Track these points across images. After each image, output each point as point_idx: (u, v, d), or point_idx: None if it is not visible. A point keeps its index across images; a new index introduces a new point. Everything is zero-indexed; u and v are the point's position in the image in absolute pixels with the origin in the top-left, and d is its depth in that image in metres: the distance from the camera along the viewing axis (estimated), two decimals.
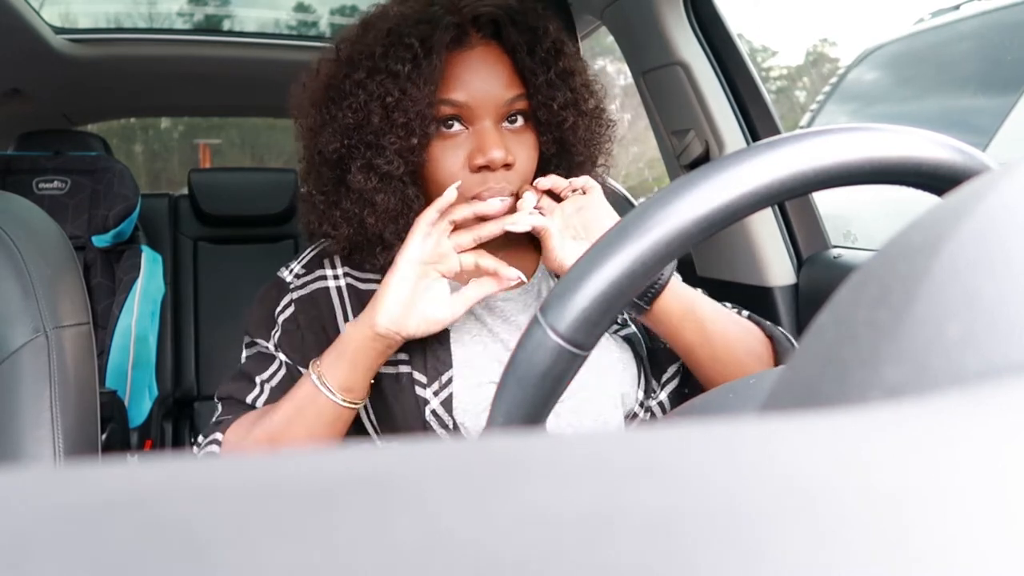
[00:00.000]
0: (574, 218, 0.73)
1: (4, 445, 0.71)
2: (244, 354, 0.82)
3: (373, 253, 0.77)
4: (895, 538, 0.09)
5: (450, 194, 0.70)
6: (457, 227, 0.73)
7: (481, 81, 0.72)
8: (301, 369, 0.78)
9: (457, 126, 0.73)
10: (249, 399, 0.77)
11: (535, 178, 0.78)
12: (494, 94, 0.72)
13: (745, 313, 0.82)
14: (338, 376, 0.70)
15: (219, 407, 0.80)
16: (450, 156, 0.73)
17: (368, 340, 0.69)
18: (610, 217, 0.74)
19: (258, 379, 0.78)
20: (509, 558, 0.09)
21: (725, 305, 0.81)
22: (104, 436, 1.35)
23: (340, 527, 0.09)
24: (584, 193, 0.74)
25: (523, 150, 0.74)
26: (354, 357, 0.70)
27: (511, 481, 0.10)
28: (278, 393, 0.77)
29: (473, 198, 0.73)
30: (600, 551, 0.09)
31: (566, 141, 0.77)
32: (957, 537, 0.09)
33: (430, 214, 0.70)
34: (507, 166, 0.72)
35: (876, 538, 0.09)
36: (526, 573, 0.08)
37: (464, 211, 0.71)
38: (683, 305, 0.73)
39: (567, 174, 0.79)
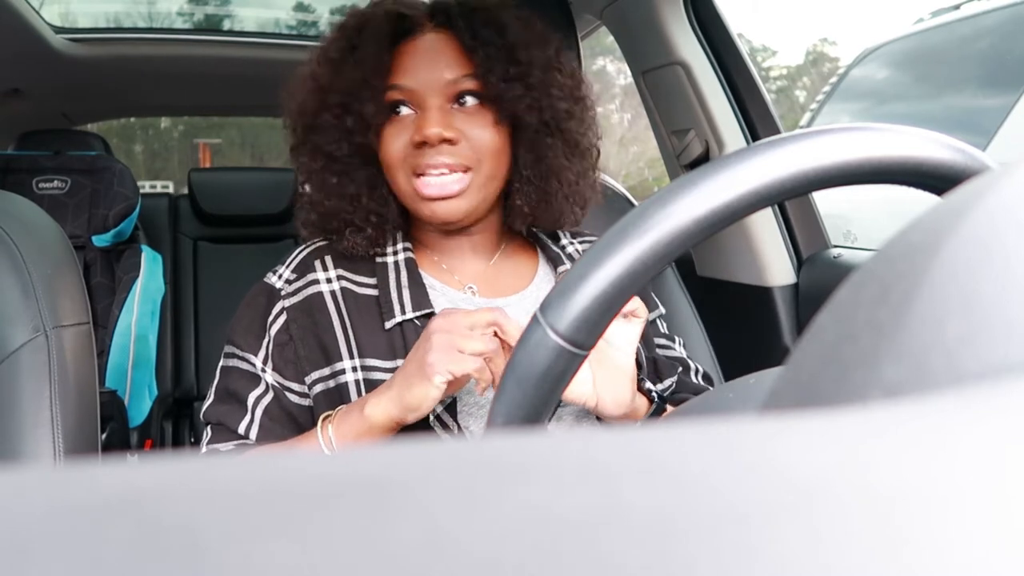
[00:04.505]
0: (593, 353, 0.70)
1: (4, 445, 0.71)
2: (225, 362, 0.80)
3: (343, 236, 0.78)
4: (894, 538, 0.09)
5: (500, 318, 0.67)
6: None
7: (426, 65, 0.76)
8: (288, 392, 0.77)
9: (406, 110, 0.76)
10: (241, 428, 0.76)
11: (513, 159, 0.79)
12: (438, 76, 0.75)
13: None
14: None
15: (208, 431, 0.78)
16: (397, 137, 0.76)
17: (383, 426, 0.68)
18: (624, 379, 0.71)
19: (248, 402, 0.77)
20: (508, 559, 0.09)
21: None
22: (104, 436, 1.35)
23: (340, 528, 0.09)
24: (627, 317, 0.71)
25: (473, 127, 0.76)
26: (368, 434, 0.69)
27: (510, 482, 0.10)
28: (266, 421, 0.76)
29: (418, 175, 0.75)
30: (599, 551, 0.09)
31: (518, 116, 0.77)
32: (956, 537, 0.09)
33: (475, 321, 0.67)
34: (449, 142, 0.74)
35: (875, 538, 0.09)
36: (525, 573, 0.08)
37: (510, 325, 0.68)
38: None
39: (537, 157, 0.79)
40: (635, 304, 0.71)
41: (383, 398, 0.68)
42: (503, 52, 0.75)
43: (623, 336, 0.71)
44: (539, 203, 0.80)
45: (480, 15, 0.76)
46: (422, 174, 0.75)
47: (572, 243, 0.91)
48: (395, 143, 0.76)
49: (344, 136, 0.76)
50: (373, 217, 0.78)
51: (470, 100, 0.76)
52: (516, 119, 0.77)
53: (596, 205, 0.87)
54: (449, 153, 0.74)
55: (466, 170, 0.75)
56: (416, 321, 0.76)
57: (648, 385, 0.81)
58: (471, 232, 0.83)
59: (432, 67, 0.75)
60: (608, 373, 0.70)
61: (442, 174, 0.74)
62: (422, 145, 0.74)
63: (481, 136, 0.76)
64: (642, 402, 0.77)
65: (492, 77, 0.75)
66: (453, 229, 0.81)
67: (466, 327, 0.66)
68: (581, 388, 0.70)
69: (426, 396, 0.65)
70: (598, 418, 0.79)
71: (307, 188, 0.81)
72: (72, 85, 1.94)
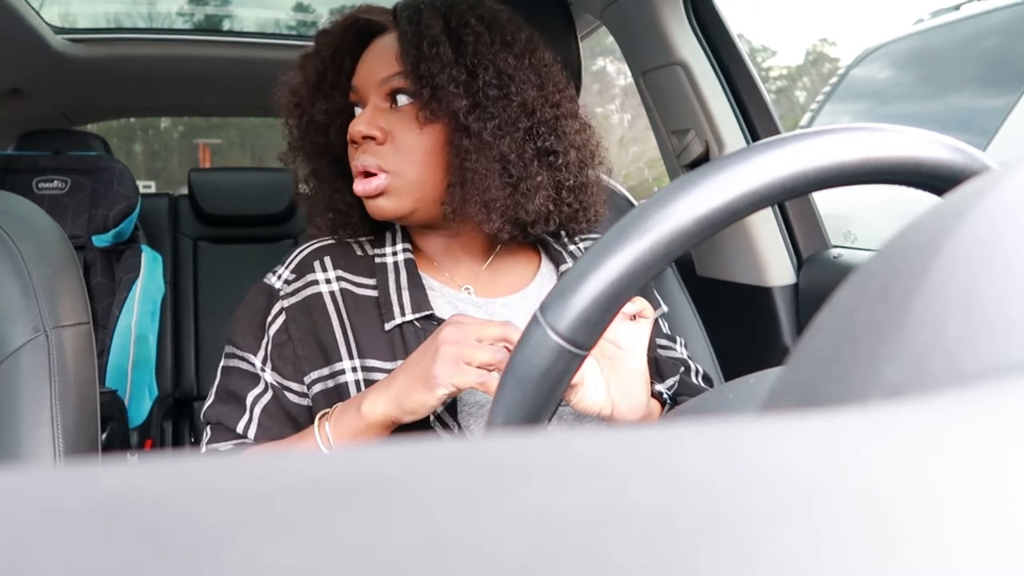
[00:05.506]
0: (604, 360, 0.71)
1: (4, 445, 0.71)
2: (225, 362, 0.80)
3: (313, 222, 0.83)
4: (894, 538, 0.09)
5: (508, 332, 0.67)
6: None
7: (371, 64, 0.78)
8: (287, 392, 0.77)
9: (359, 109, 0.80)
10: (240, 427, 0.76)
11: (446, 161, 0.76)
12: (372, 74, 0.77)
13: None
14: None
15: (208, 431, 0.79)
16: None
17: (380, 424, 0.68)
18: (639, 382, 0.70)
19: (247, 402, 0.77)
20: (508, 558, 0.09)
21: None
22: (104, 436, 1.35)
23: (340, 527, 0.09)
24: (635, 319, 0.71)
25: (401, 128, 0.76)
26: (365, 432, 0.69)
27: (510, 481, 0.10)
28: (265, 420, 0.76)
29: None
30: (600, 551, 0.09)
31: (435, 113, 0.75)
32: (956, 537, 0.09)
33: (487, 332, 0.66)
34: (372, 139, 0.75)
35: (875, 538, 0.09)
36: (525, 574, 0.08)
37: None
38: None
39: (459, 161, 0.75)
40: (641, 304, 0.70)
41: (381, 397, 0.67)
42: (417, 49, 0.75)
43: (633, 338, 0.70)
44: (459, 206, 0.76)
45: (416, 14, 0.76)
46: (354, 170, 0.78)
47: (575, 241, 0.91)
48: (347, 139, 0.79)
49: (303, 135, 0.81)
50: (340, 205, 0.82)
51: (401, 99, 0.77)
52: (434, 115, 0.75)
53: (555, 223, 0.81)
54: (373, 153, 0.75)
55: (385, 172, 0.75)
56: (416, 323, 0.76)
57: (659, 387, 0.80)
58: (453, 233, 0.81)
59: (373, 66, 0.77)
60: (622, 377, 0.70)
61: (366, 173, 0.76)
62: (353, 143, 0.77)
63: (407, 137, 0.76)
64: (655, 405, 0.76)
65: (406, 73, 0.75)
66: (412, 224, 0.81)
67: (475, 339, 0.65)
68: (596, 396, 0.69)
69: (425, 404, 0.65)
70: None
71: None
72: (72, 85, 1.94)
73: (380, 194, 0.76)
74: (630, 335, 0.70)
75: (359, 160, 0.76)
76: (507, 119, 0.75)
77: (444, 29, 0.75)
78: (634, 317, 0.71)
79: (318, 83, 0.79)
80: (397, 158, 0.75)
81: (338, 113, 0.80)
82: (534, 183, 0.76)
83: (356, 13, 0.80)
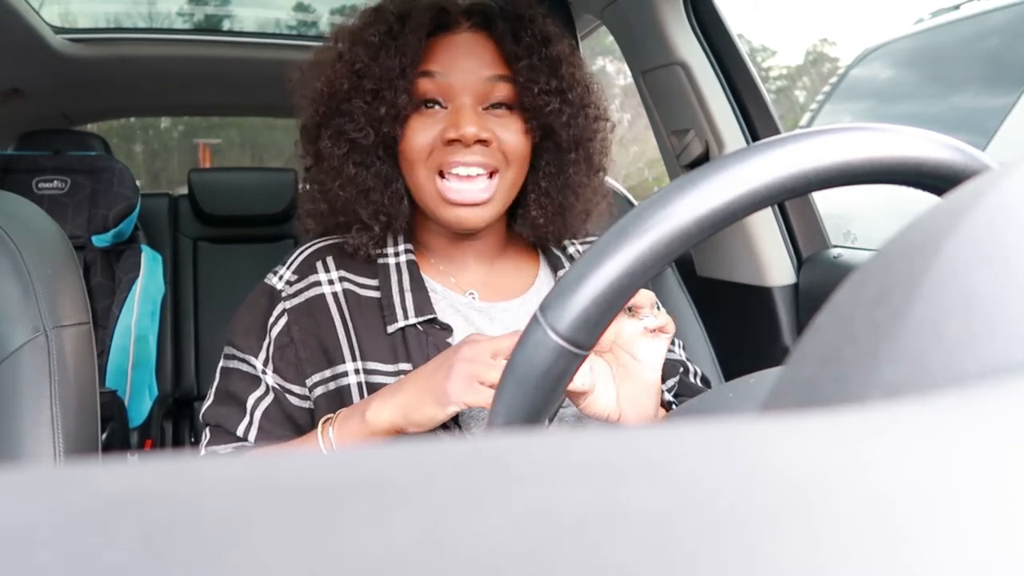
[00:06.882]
0: (619, 368, 0.70)
1: (4, 445, 0.71)
2: (225, 363, 0.79)
3: (350, 233, 0.78)
4: (893, 538, 0.09)
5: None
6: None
7: (462, 60, 0.75)
8: (289, 394, 0.76)
9: (436, 105, 0.75)
10: (240, 430, 0.76)
11: (531, 168, 0.79)
12: (474, 73, 0.74)
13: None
14: None
15: (207, 433, 0.78)
16: (424, 130, 0.74)
17: (384, 432, 0.68)
18: (650, 395, 0.69)
19: (248, 404, 0.76)
20: (508, 558, 0.09)
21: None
22: (104, 436, 1.35)
23: (340, 527, 0.09)
24: (655, 332, 0.70)
25: (505, 132, 0.75)
26: (370, 439, 0.69)
27: (510, 481, 0.10)
28: (266, 423, 0.76)
29: (443, 175, 0.74)
30: (599, 551, 0.09)
31: (550, 128, 0.76)
32: (956, 537, 0.09)
33: (494, 346, 0.66)
34: (482, 142, 0.73)
35: (874, 538, 0.09)
36: (525, 573, 0.08)
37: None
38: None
39: (558, 171, 0.79)
40: (663, 320, 0.69)
41: (387, 405, 0.67)
42: (546, 64, 0.75)
43: (650, 352, 0.69)
44: (554, 216, 0.80)
45: (523, 22, 0.76)
46: (447, 175, 0.74)
47: (573, 243, 0.91)
48: (421, 137, 0.74)
49: (372, 124, 0.74)
50: (382, 216, 0.77)
51: (503, 104, 0.76)
52: (547, 131, 0.77)
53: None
54: (480, 153, 0.73)
55: (492, 174, 0.74)
56: (419, 326, 0.76)
57: (668, 397, 0.80)
58: (477, 237, 0.81)
59: (469, 64, 0.74)
60: (634, 388, 0.69)
61: (469, 177, 0.73)
62: (453, 143, 0.73)
63: (511, 140, 0.75)
64: (662, 415, 0.76)
65: (533, 87, 0.74)
66: (464, 234, 0.80)
67: (489, 354, 0.65)
68: (605, 402, 0.69)
69: (434, 418, 0.66)
70: None
71: (309, 183, 0.81)
72: (72, 85, 1.94)
73: (483, 203, 0.74)
74: (648, 349, 0.69)
75: (468, 156, 0.73)
76: (588, 134, 0.78)
77: (541, 42, 0.75)
78: (655, 331, 0.69)
79: (402, 71, 0.73)
80: (503, 159, 0.75)
81: (412, 103, 0.75)
82: (603, 191, 0.83)
83: (440, 1, 0.76)
